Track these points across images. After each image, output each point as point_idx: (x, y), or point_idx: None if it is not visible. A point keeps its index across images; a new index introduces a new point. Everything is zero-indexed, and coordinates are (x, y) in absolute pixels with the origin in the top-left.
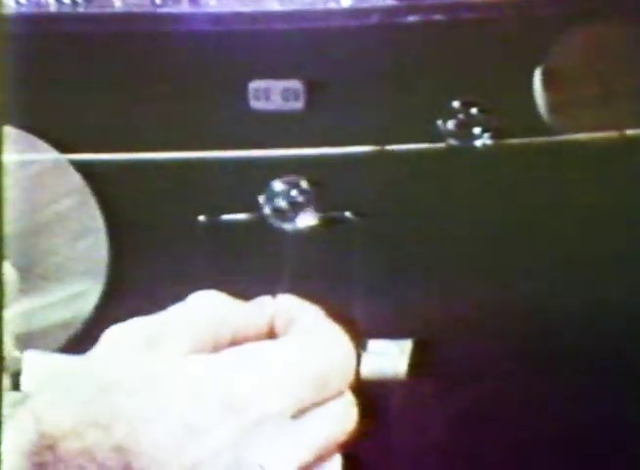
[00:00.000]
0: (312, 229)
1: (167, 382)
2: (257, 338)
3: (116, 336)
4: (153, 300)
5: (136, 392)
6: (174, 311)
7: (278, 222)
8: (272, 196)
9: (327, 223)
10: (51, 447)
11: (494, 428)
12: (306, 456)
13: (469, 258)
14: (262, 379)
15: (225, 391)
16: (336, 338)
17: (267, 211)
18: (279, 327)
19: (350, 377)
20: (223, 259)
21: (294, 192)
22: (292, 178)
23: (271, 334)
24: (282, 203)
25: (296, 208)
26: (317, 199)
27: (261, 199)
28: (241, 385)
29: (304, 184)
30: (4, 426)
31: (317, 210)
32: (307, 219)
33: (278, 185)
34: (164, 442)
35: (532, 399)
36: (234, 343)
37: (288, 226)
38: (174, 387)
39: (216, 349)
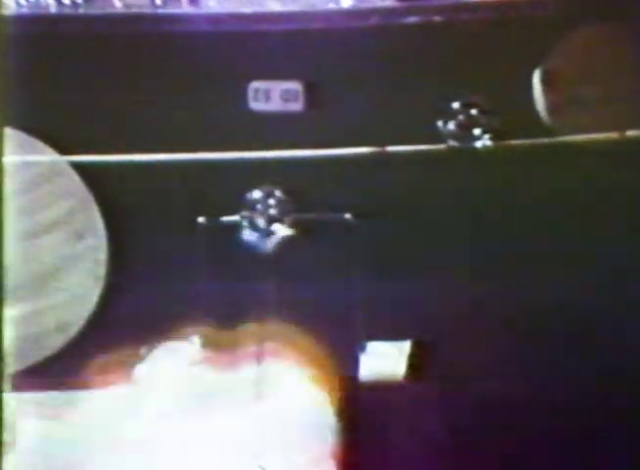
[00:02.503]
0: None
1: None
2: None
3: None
4: (152, 300)
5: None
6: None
7: (272, 222)
8: (254, 202)
9: (326, 225)
10: None
11: (493, 428)
12: None
13: (468, 259)
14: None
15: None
16: (314, 403)
17: (256, 213)
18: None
19: (329, 444)
20: (221, 261)
21: (278, 197)
22: (270, 188)
23: (260, 356)
24: (269, 206)
25: (280, 214)
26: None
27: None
28: (213, 453)
29: (280, 193)
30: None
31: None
32: (298, 222)
33: (257, 193)
34: None
35: (532, 400)
36: None
37: (282, 225)
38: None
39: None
